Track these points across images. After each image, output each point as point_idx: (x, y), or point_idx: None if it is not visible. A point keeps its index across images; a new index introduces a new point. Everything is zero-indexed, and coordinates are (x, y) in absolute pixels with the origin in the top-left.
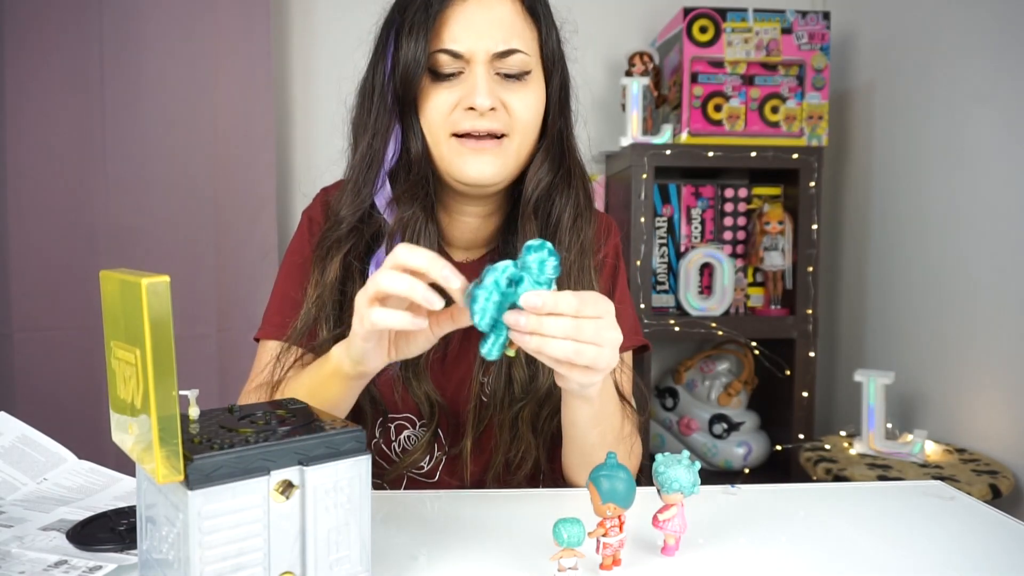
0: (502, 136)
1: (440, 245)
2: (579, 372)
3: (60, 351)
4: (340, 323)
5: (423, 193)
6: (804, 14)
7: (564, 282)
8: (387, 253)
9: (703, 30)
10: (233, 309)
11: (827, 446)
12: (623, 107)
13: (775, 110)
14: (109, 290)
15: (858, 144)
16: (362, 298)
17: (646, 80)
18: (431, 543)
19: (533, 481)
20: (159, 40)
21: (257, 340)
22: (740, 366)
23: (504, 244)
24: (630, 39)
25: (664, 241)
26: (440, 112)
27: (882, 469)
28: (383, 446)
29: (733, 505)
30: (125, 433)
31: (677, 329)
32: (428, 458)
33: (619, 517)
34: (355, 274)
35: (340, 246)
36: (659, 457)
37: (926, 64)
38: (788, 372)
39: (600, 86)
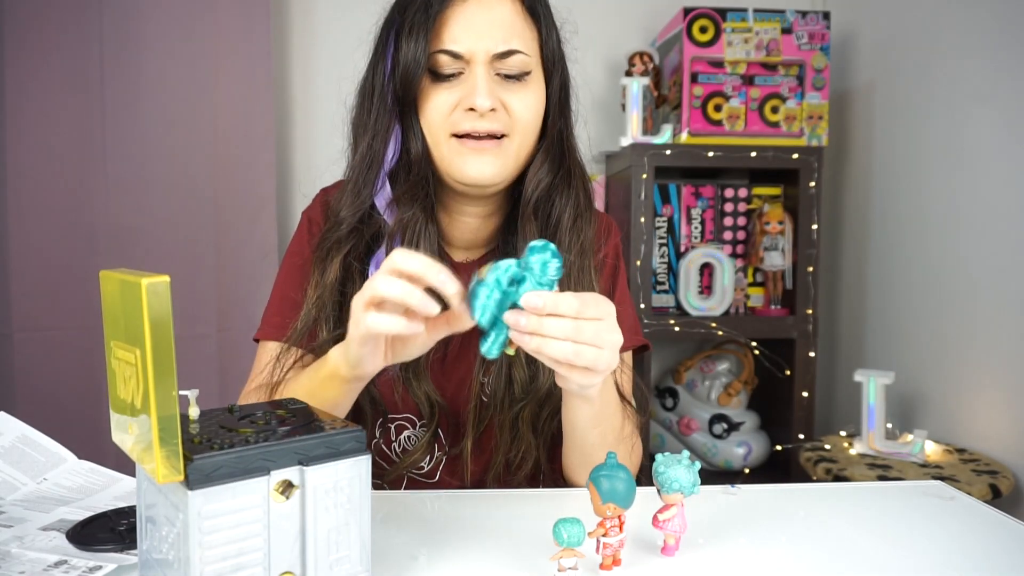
0: (502, 136)
1: (440, 245)
2: (579, 373)
3: (60, 351)
4: (340, 324)
5: (423, 194)
6: (804, 14)
7: (564, 282)
8: (387, 254)
9: (703, 30)
10: (233, 309)
11: (827, 446)
12: (623, 107)
13: (775, 110)
14: (109, 290)
15: (858, 144)
16: (358, 302)
17: (646, 80)
18: (431, 543)
19: (533, 481)
20: (159, 40)
21: (257, 341)
22: (740, 366)
23: (504, 244)
24: (630, 39)
25: (664, 241)
26: (440, 113)
27: (882, 469)
28: (383, 446)
29: (733, 505)
30: (125, 433)
31: (677, 329)
32: (428, 458)
33: (619, 517)
34: (355, 275)
35: (340, 247)
36: (659, 457)
37: (926, 64)
38: (788, 372)
39: (600, 86)
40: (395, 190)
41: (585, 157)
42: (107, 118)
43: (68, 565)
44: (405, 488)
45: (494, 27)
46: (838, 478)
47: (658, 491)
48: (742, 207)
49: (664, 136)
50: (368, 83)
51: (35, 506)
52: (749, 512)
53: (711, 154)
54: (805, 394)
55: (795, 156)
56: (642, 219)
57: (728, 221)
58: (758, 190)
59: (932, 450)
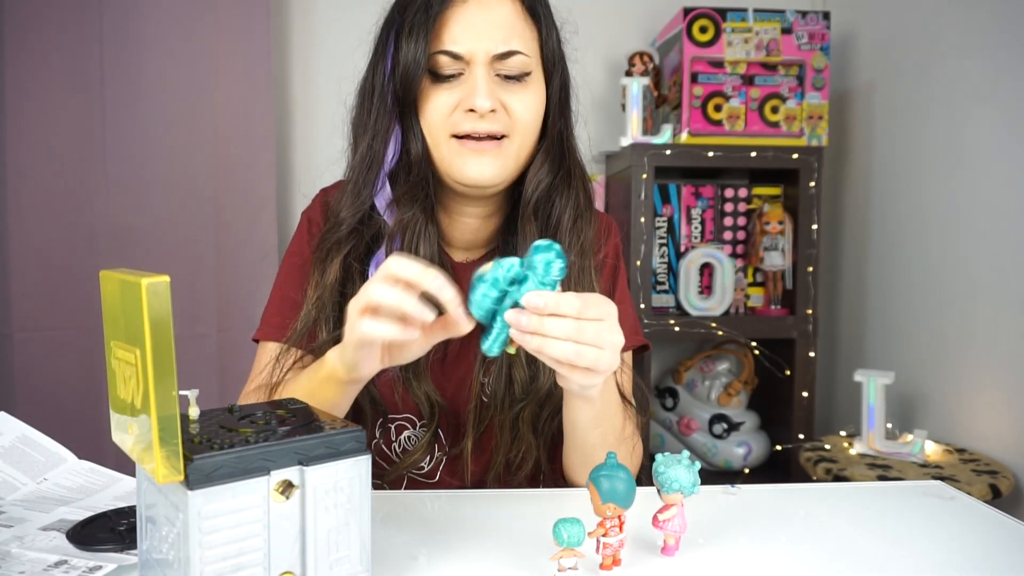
0: (502, 137)
1: (440, 246)
2: (580, 374)
3: (60, 351)
4: (339, 325)
5: (423, 194)
6: (804, 14)
7: (564, 283)
8: (387, 254)
9: (703, 30)
10: (233, 309)
11: (827, 446)
12: (623, 107)
13: (775, 110)
14: (109, 290)
15: (858, 144)
16: (354, 307)
17: (646, 80)
18: (431, 543)
19: (534, 481)
20: (159, 40)
21: (256, 341)
22: (740, 366)
23: (504, 245)
24: (630, 39)
25: (664, 241)
26: (440, 113)
27: (882, 469)
28: (383, 447)
29: (733, 505)
30: (125, 433)
31: (677, 329)
32: (428, 458)
33: (619, 517)
34: (355, 275)
35: (340, 247)
36: (659, 457)
37: (926, 64)
38: (788, 372)
39: (600, 86)
40: (395, 191)
41: (585, 157)
42: (107, 118)
43: (68, 565)
44: (405, 488)
45: (494, 28)
46: (838, 478)
47: (658, 491)
48: (742, 207)
49: (664, 136)
50: (368, 83)
51: (35, 506)
52: (749, 512)
53: (711, 154)
54: (805, 394)
55: (795, 156)
56: (642, 219)
57: (728, 221)
58: (758, 190)
59: (932, 450)
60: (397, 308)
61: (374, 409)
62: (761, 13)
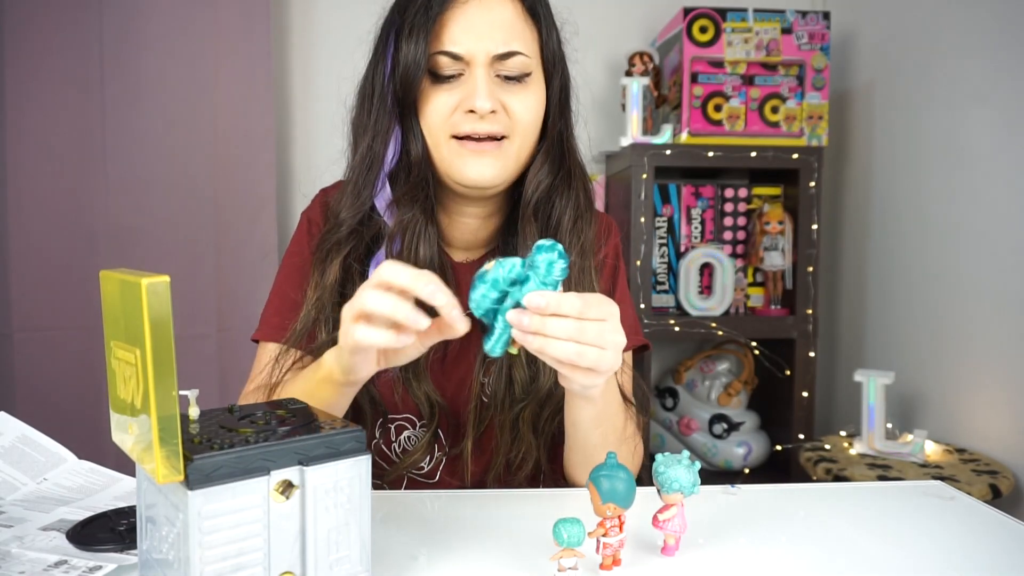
0: (502, 138)
1: (440, 246)
2: (581, 374)
3: (60, 351)
4: (339, 326)
5: (423, 195)
6: (804, 14)
7: (565, 283)
8: (387, 255)
9: (703, 30)
10: (233, 309)
11: (827, 446)
12: (623, 107)
13: (775, 110)
14: (109, 290)
15: (858, 144)
16: (347, 314)
17: (646, 80)
18: (431, 543)
19: (534, 481)
20: (159, 40)
21: (255, 341)
22: (740, 366)
23: (504, 245)
24: (630, 39)
25: (664, 241)
26: (440, 114)
27: (882, 469)
28: (383, 447)
29: (733, 505)
30: (125, 433)
31: (677, 329)
32: (428, 459)
33: (619, 517)
34: (355, 276)
35: (340, 248)
36: (659, 457)
37: (926, 64)
38: (788, 372)
39: (600, 86)
40: (395, 191)
41: (585, 157)
42: (107, 118)
43: (68, 565)
44: (405, 488)
45: (494, 28)
46: (838, 478)
47: (658, 491)
48: (742, 207)
49: (664, 136)
50: (368, 84)
51: (35, 506)
52: (749, 512)
53: (711, 154)
54: (805, 394)
55: (795, 156)
56: (642, 219)
57: (728, 221)
58: (758, 190)
59: (932, 450)
60: (390, 317)
61: (374, 409)
62: (761, 13)
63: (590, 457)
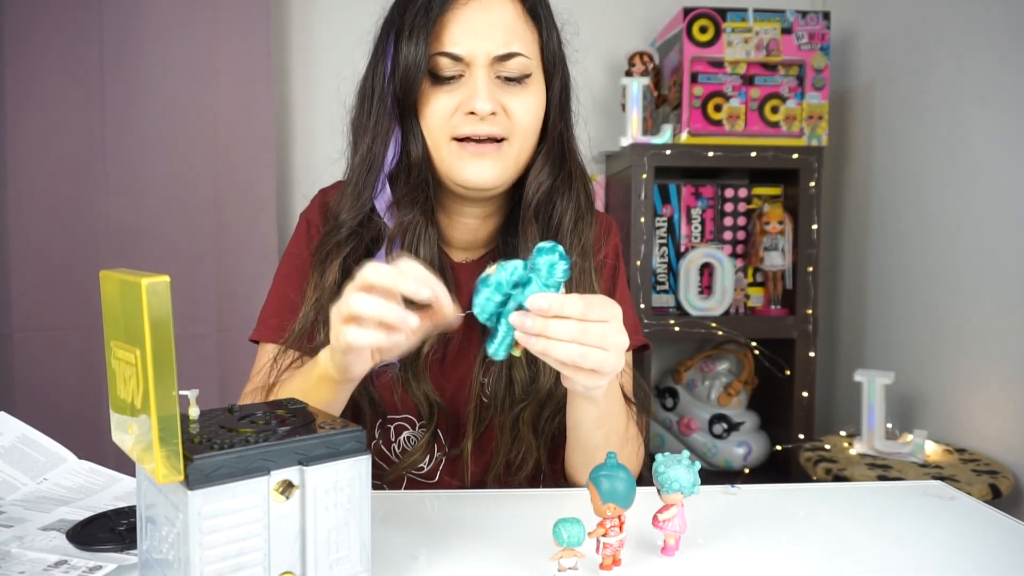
0: (502, 140)
1: (439, 246)
2: (585, 375)
3: (60, 351)
4: None
5: (423, 197)
6: (804, 14)
7: (565, 285)
8: (387, 256)
9: (703, 30)
10: (233, 309)
11: (827, 446)
12: (623, 107)
13: (775, 110)
14: (109, 290)
15: (858, 144)
16: (335, 316)
17: (646, 80)
18: (431, 543)
19: (534, 482)
20: (159, 40)
21: (254, 341)
22: (740, 366)
23: (504, 245)
24: (630, 39)
25: (664, 241)
26: (440, 116)
27: (882, 469)
28: (383, 447)
29: (733, 505)
30: (125, 433)
31: (677, 329)
32: (428, 459)
33: (619, 517)
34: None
35: (340, 250)
36: (659, 457)
37: (926, 64)
38: (788, 372)
39: (600, 86)
40: (395, 193)
41: (585, 157)
42: (107, 118)
43: (68, 565)
44: (405, 489)
45: (495, 29)
46: (838, 478)
47: (658, 491)
48: (742, 207)
49: (664, 136)
50: (368, 85)
51: (35, 506)
52: (749, 512)
53: (711, 154)
54: (805, 394)
55: (795, 156)
56: (642, 219)
57: (728, 221)
58: (758, 190)
59: (932, 450)
60: (377, 319)
61: (373, 410)
62: (761, 13)
63: (592, 457)
